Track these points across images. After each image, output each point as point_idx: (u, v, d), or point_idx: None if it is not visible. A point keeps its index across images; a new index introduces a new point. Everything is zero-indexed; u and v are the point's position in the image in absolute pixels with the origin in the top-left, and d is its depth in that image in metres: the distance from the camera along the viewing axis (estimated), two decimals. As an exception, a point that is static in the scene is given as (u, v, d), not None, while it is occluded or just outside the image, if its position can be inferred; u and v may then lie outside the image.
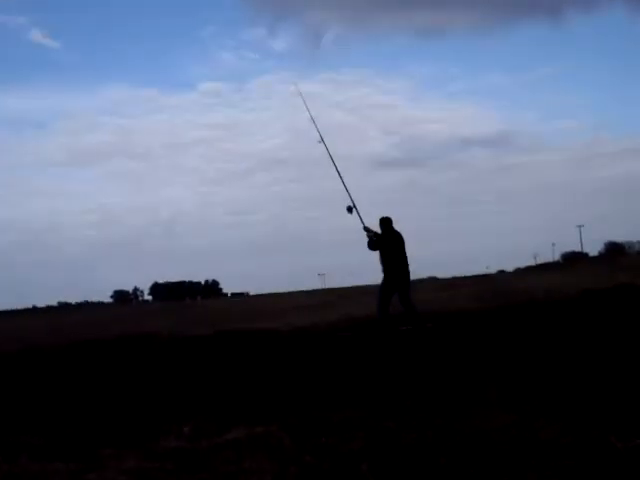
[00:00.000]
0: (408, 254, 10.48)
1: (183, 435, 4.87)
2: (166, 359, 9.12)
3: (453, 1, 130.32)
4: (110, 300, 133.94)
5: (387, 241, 10.40)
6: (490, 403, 5.08)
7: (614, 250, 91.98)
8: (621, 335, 7.72)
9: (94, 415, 5.73)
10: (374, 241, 10.44)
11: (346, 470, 3.77)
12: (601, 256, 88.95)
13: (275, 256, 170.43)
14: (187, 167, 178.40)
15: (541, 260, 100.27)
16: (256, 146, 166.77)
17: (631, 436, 3.89)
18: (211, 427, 5.01)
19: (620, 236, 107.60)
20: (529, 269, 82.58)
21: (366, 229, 10.52)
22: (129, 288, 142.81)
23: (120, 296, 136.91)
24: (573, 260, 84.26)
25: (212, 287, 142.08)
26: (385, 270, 10.41)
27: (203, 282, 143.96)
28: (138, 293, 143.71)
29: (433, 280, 62.06)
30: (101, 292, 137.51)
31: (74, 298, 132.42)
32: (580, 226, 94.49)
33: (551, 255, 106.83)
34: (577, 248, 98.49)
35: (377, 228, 10.56)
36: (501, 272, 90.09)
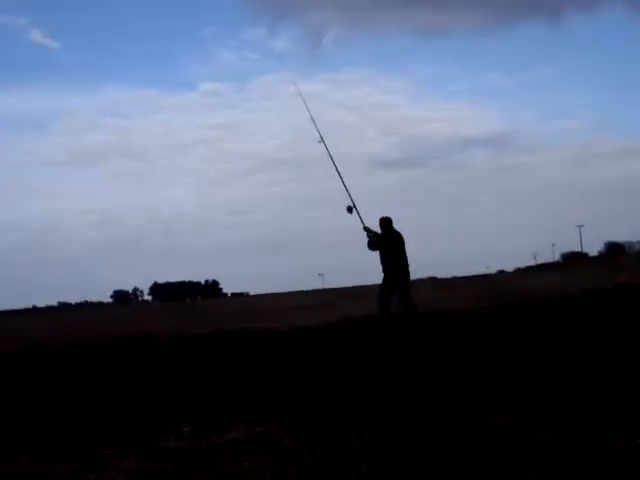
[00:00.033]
0: (408, 254, 10.50)
1: (183, 435, 4.87)
2: (166, 359, 9.12)
3: (454, 1, 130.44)
4: (110, 300, 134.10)
5: (387, 241, 10.40)
6: (490, 403, 5.08)
7: (614, 250, 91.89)
8: (621, 335, 7.72)
9: (94, 415, 5.73)
10: (374, 241, 10.44)
11: (346, 470, 3.77)
12: (601, 256, 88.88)
13: (275, 256, 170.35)
14: (187, 167, 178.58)
15: (541, 260, 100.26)
16: (256, 146, 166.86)
17: (631, 436, 3.89)
18: (211, 427, 5.01)
19: (620, 236, 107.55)
20: (529, 269, 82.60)
21: (366, 229, 10.53)
22: (129, 288, 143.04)
23: (120, 296, 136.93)
24: (573, 260, 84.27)
25: (212, 287, 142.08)
26: (385, 270, 10.42)
27: (203, 282, 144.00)
28: (138, 293, 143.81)
29: (433, 280, 62.01)
30: (101, 292, 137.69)
31: (74, 298, 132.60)
32: (580, 226, 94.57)
33: (551, 255, 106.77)
34: (577, 248, 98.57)
35: (377, 228, 10.56)
36: (501, 272, 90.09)
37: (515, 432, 4.23)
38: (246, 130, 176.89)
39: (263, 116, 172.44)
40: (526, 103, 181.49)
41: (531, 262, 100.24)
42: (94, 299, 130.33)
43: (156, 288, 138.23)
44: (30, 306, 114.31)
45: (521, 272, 77.21)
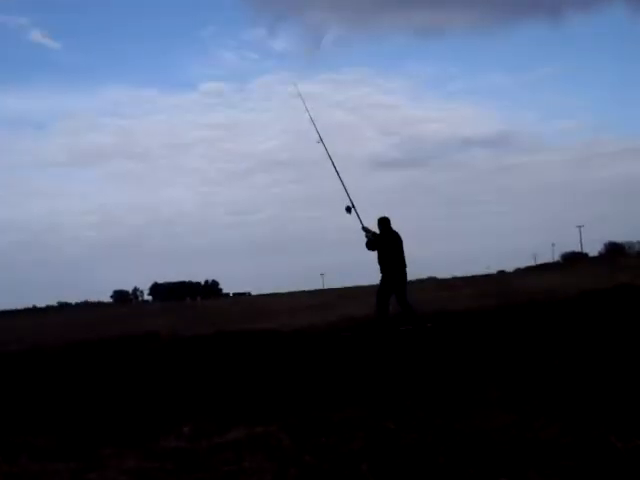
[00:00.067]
0: (407, 254, 10.50)
1: (183, 435, 4.87)
2: (166, 359, 9.12)
3: (453, 1, 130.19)
4: (110, 300, 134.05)
5: (385, 241, 10.40)
6: (490, 403, 5.09)
7: (614, 250, 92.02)
8: (621, 335, 7.72)
9: (94, 415, 5.73)
10: (372, 241, 10.45)
11: (346, 470, 3.77)
12: (601, 256, 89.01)
13: (275, 256, 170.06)
14: (187, 167, 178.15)
15: (541, 260, 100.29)
16: (257, 146, 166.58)
17: (631, 436, 3.89)
18: (211, 427, 5.01)
19: (620, 236, 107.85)
20: (529, 269, 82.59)
21: (364, 229, 10.53)
22: (129, 288, 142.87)
23: (120, 296, 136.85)
24: (573, 260, 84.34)
25: (212, 287, 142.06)
26: (383, 270, 10.43)
27: (203, 282, 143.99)
28: (138, 293, 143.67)
29: (433, 280, 62.01)
30: (101, 292, 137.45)
31: (74, 298, 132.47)
32: (580, 226, 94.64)
33: (551, 255, 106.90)
34: (577, 248, 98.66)
35: (377, 228, 10.56)
36: (501, 272, 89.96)
37: (515, 432, 4.23)
38: (246, 130, 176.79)
39: (263, 116, 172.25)
40: (526, 103, 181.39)
41: (531, 262, 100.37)
42: (94, 299, 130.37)
43: (156, 288, 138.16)
44: (30, 306, 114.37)
45: (521, 272, 77.20)
